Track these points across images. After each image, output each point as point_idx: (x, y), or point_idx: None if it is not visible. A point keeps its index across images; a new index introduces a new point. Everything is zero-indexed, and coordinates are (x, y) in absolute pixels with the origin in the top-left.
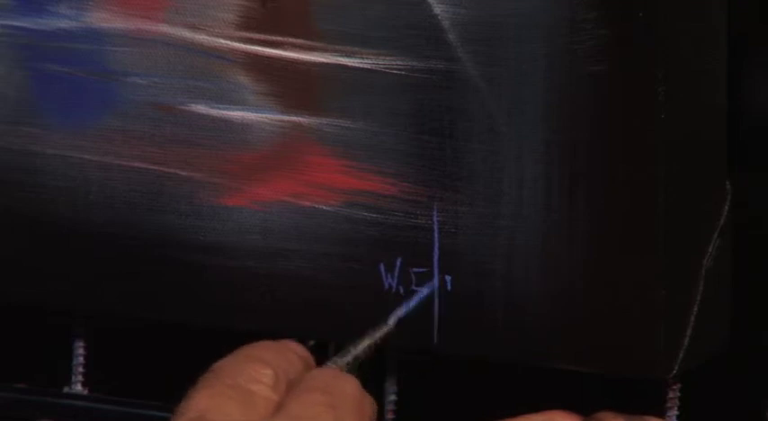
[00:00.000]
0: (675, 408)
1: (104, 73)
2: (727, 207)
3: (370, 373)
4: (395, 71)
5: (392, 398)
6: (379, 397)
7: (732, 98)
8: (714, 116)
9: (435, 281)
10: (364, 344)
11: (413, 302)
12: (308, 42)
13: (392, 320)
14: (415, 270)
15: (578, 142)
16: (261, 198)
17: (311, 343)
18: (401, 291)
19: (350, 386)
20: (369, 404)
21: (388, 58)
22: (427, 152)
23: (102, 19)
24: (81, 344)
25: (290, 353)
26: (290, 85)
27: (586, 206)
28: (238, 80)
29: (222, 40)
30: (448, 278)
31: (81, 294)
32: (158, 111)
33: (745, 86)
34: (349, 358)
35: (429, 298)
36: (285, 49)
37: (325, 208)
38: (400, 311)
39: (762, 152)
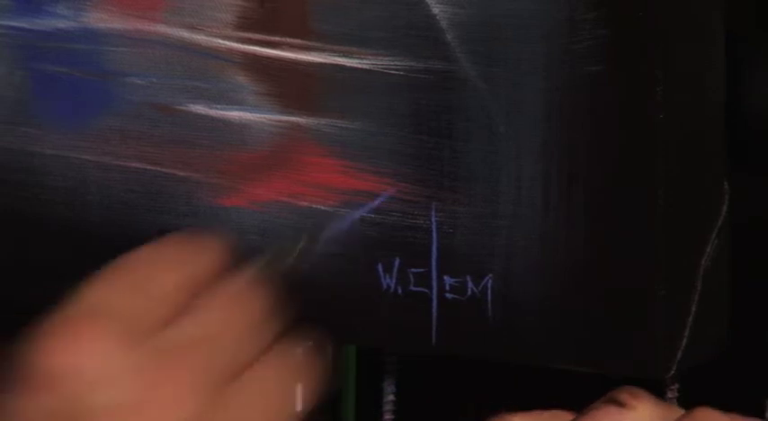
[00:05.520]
0: None
1: (102, 73)
2: (726, 207)
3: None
4: (393, 71)
5: (391, 398)
6: (377, 397)
7: (732, 98)
8: (714, 116)
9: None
10: (282, 253)
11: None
12: (306, 42)
13: (306, 236)
14: (414, 270)
15: (577, 142)
16: (259, 198)
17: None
18: (399, 291)
19: (253, 303)
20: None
21: (386, 59)
22: (425, 152)
23: (99, 19)
24: None
25: (202, 252)
26: (288, 86)
27: (585, 206)
28: (236, 80)
29: (220, 41)
30: (447, 278)
31: None
32: (156, 112)
33: (745, 86)
34: (265, 262)
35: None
36: (283, 50)
37: (323, 208)
38: (320, 228)
39: (762, 152)
